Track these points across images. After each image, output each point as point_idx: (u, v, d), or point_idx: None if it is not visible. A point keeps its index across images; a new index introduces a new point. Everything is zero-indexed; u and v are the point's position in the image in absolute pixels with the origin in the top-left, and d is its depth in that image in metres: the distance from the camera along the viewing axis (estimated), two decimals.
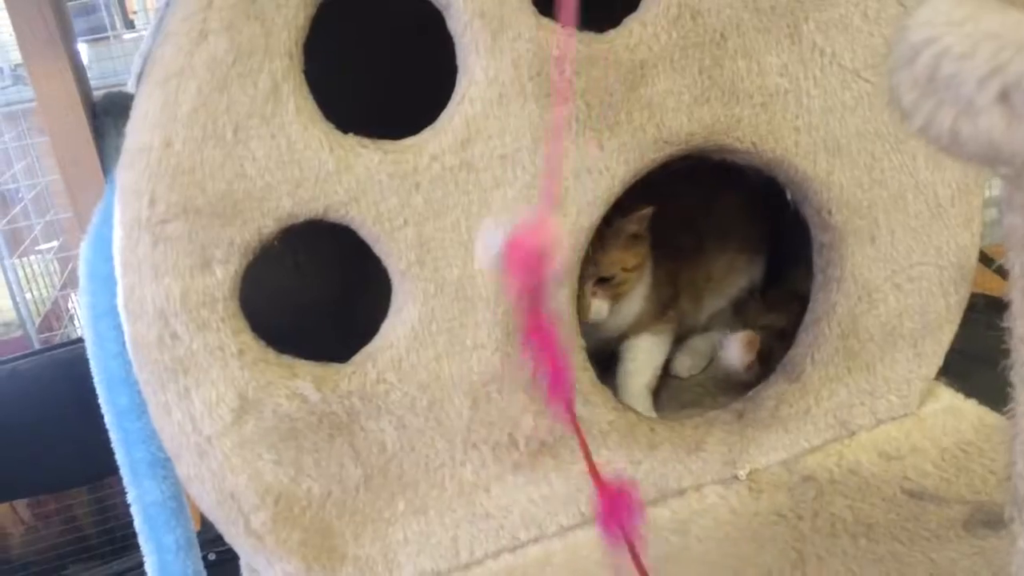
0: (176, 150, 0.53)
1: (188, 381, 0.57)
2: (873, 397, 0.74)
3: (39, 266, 1.81)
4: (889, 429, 0.75)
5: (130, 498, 0.67)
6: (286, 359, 0.60)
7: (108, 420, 0.65)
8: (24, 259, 1.74)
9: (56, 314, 1.82)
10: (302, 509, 0.62)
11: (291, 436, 0.60)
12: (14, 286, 1.63)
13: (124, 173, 0.54)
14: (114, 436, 0.65)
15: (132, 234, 0.54)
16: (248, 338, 0.58)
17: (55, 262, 1.86)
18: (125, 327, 0.56)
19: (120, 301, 0.56)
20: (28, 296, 1.67)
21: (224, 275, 0.56)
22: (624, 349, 0.81)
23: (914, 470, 0.70)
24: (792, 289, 0.90)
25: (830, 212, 0.68)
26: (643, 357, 0.81)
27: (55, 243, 1.85)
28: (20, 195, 1.76)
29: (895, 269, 0.71)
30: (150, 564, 0.67)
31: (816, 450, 0.74)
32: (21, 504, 1.78)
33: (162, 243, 0.54)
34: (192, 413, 0.58)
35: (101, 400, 0.65)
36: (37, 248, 1.81)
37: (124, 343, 0.58)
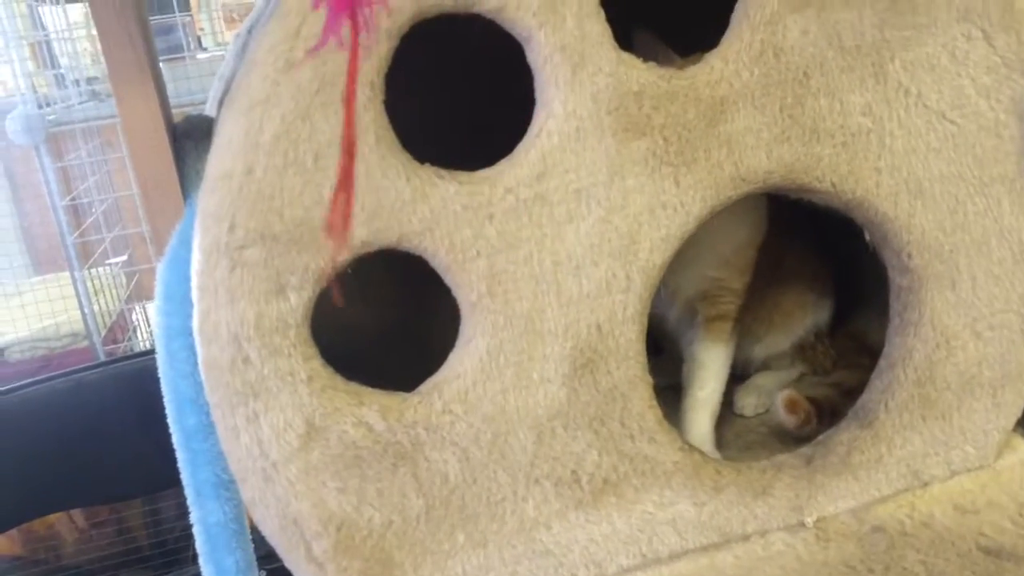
0: (257, 177, 0.54)
1: (258, 406, 0.58)
2: (948, 447, 0.72)
3: (107, 279, 1.85)
4: (964, 481, 0.72)
5: (192, 518, 0.67)
6: (353, 387, 0.60)
7: (175, 440, 0.66)
8: (93, 271, 1.78)
9: (121, 326, 1.86)
10: (363, 538, 0.62)
11: (355, 464, 0.60)
12: (83, 297, 1.67)
13: (206, 198, 0.54)
14: (180, 456, 0.66)
15: (210, 258, 0.55)
16: (317, 364, 0.58)
17: (122, 275, 1.91)
18: (199, 349, 0.57)
19: (195, 324, 0.56)
20: (95, 308, 1.71)
21: (298, 301, 0.56)
22: (690, 368, 0.79)
23: (991, 526, 0.67)
24: (861, 338, 0.88)
25: (910, 255, 0.66)
26: (710, 375, 0.78)
27: (123, 257, 1.89)
28: (93, 209, 1.81)
29: (976, 316, 0.69)
30: None
31: (887, 500, 0.71)
32: (76, 510, 1.81)
33: (239, 268, 0.55)
34: (260, 437, 0.58)
35: (170, 419, 0.66)
36: (106, 261, 1.85)
37: (195, 364, 0.59)
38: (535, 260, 0.59)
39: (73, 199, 1.69)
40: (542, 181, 0.58)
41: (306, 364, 0.58)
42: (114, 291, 1.84)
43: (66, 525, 1.85)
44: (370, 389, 0.61)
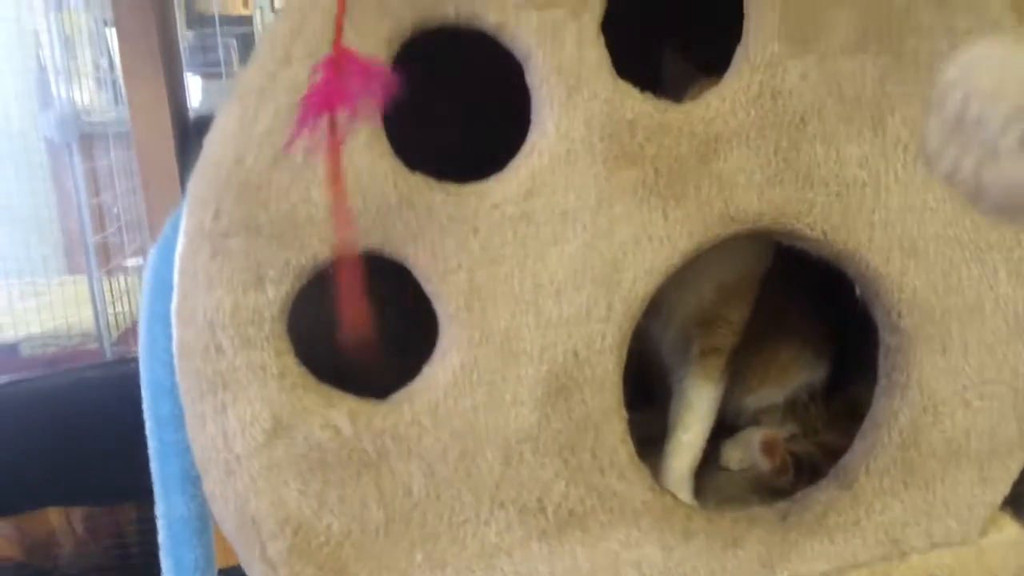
0: (247, 167, 0.55)
1: (226, 396, 0.58)
2: (930, 518, 0.70)
3: (127, 283, 1.88)
4: (944, 555, 0.70)
5: (157, 511, 0.67)
6: (325, 388, 0.60)
7: (148, 429, 0.66)
8: (114, 278, 1.81)
9: (135, 331, 1.88)
10: (320, 545, 0.61)
11: (319, 467, 0.60)
12: (96, 297, 1.69)
13: (195, 182, 0.55)
14: (151, 445, 0.66)
15: (194, 242, 0.55)
16: (290, 361, 0.58)
17: (142, 280, 1.94)
18: (175, 333, 0.57)
19: (173, 306, 0.57)
20: (111, 311, 1.74)
21: (275, 295, 0.57)
22: (678, 406, 0.78)
23: None
24: (855, 405, 0.86)
25: (900, 314, 0.65)
26: (697, 418, 0.76)
27: (141, 259, 1.93)
28: (115, 211, 1.85)
29: (965, 384, 0.67)
30: None
31: (862, 566, 0.69)
32: (76, 518, 1.81)
33: (221, 255, 0.55)
34: (226, 429, 0.58)
35: (144, 407, 0.66)
36: (125, 264, 1.89)
37: (173, 351, 0.59)
38: (516, 278, 0.59)
39: (99, 201, 1.73)
40: (529, 200, 0.58)
41: (278, 359, 0.58)
42: (136, 296, 1.87)
43: (65, 531, 1.85)
44: (341, 392, 0.61)
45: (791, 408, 0.85)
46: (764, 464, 0.74)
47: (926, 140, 0.26)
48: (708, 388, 0.77)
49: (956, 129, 0.24)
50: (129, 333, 1.84)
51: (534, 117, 0.58)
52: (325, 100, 0.48)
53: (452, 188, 0.58)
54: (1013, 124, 0.23)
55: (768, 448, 0.73)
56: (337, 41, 0.48)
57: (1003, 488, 0.71)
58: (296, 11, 0.53)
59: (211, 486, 0.60)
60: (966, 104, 0.24)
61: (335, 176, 0.49)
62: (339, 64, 0.48)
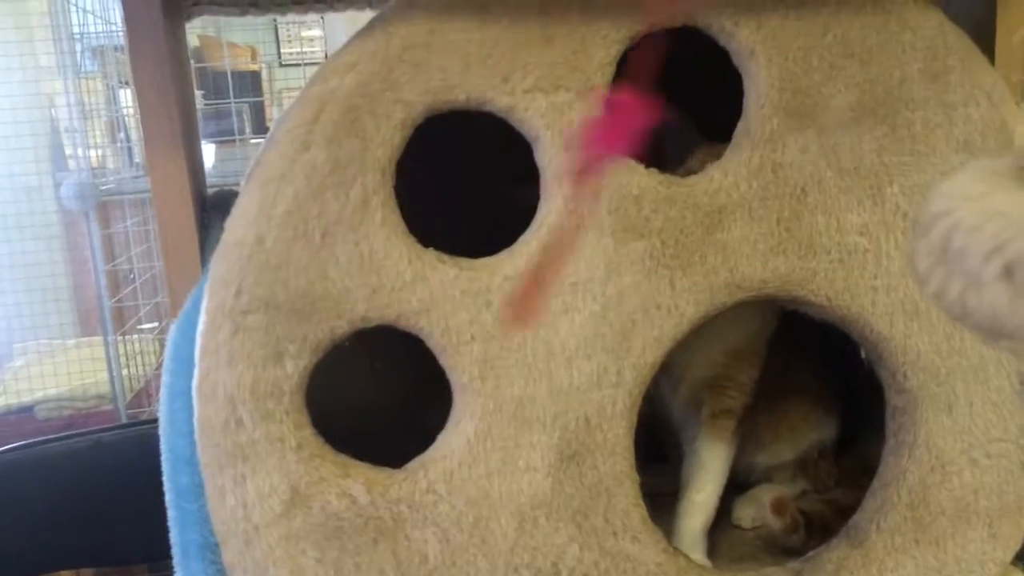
0: (267, 247, 0.57)
1: (246, 468, 0.59)
2: (941, 575, 0.70)
3: (140, 344, 1.91)
4: None
5: None
6: (341, 458, 0.61)
7: (168, 498, 0.67)
8: (128, 337, 1.84)
9: (148, 392, 1.90)
10: None
11: (336, 535, 0.61)
12: (112, 360, 1.71)
13: (217, 263, 0.57)
14: (171, 515, 0.67)
15: (215, 321, 0.57)
16: (308, 433, 0.60)
17: (156, 342, 1.97)
18: (196, 408, 0.59)
19: (195, 383, 0.59)
20: (126, 372, 1.76)
21: (294, 369, 0.58)
22: (690, 466, 0.79)
23: None
24: (864, 460, 0.87)
25: (905, 375, 0.67)
26: (709, 477, 0.77)
27: (155, 324, 1.96)
28: (132, 276, 1.88)
29: (972, 443, 0.68)
30: None
31: None
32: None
33: (241, 332, 0.57)
34: (245, 500, 0.60)
35: (164, 477, 0.67)
36: (140, 327, 1.91)
37: (193, 424, 0.61)
38: (528, 348, 0.61)
39: (115, 265, 1.77)
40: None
41: (297, 431, 0.59)
42: (148, 357, 1.90)
43: None
44: (357, 462, 0.62)
45: (802, 465, 0.86)
46: (774, 523, 0.74)
47: (915, 261, 0.27)
48: (719, 449, 0.78)
49: (942, 256, 0.26)
50: (142, 393, 1.86)
51: (543, 193, 0.60)
52: (607, 137, 0.51)
53: (464, 263, 0.60)
54: (994, 256, 0.24)
55: (778, 507, 0.74)
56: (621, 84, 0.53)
57: (1014, 544, 0.71)
58: (315, 100, 0.55)
59: (230, 556, 0.61)
60: (950, 235, 0.26)
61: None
62: (620, 104, 0.51)
